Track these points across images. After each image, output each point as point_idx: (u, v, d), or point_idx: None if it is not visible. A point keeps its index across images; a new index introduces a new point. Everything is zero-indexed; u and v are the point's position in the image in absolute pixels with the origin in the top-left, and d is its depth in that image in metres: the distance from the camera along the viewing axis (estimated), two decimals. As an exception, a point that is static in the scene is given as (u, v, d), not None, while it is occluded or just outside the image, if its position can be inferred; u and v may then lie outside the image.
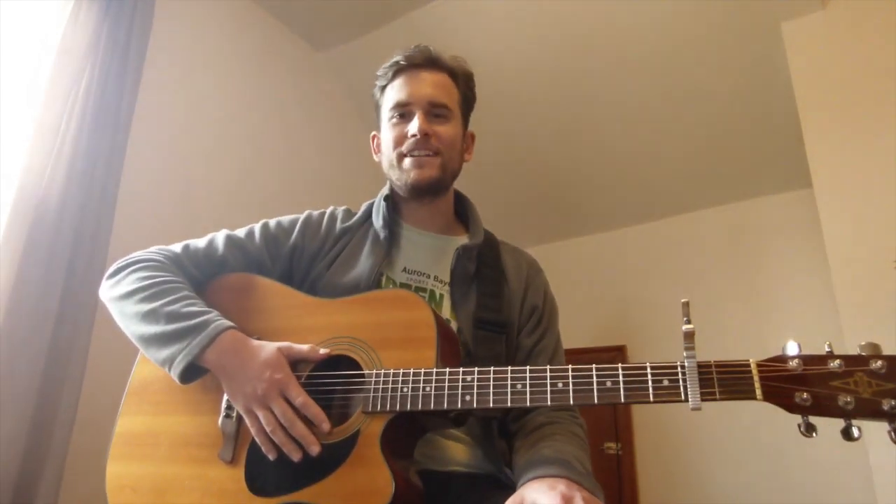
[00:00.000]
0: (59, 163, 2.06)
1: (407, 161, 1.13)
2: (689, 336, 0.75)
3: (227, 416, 0.95)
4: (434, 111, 1.14)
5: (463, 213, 1.27)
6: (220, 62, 3.09)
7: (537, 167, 4.15)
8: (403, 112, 1.14)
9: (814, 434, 0.69)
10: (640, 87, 3.47)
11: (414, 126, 1.11)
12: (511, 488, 0.86)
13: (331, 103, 3.82)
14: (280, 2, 3.33)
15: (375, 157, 1.26)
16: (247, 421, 0.92)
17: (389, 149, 1.15)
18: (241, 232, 1.17)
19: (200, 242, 1.13)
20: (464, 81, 1.21)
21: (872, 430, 0.68)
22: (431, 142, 1.12)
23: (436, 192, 1.16)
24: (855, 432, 0.67)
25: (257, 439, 0.91)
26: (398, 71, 1.16)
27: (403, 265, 1.15)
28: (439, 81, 1.16)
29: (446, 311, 1.10)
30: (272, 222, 1.20)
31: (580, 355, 4.01)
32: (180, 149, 2.78)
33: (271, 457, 0.90)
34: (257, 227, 1.18)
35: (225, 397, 0.95)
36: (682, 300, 0.77)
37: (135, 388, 1.05)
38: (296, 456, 0.88)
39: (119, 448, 1.00)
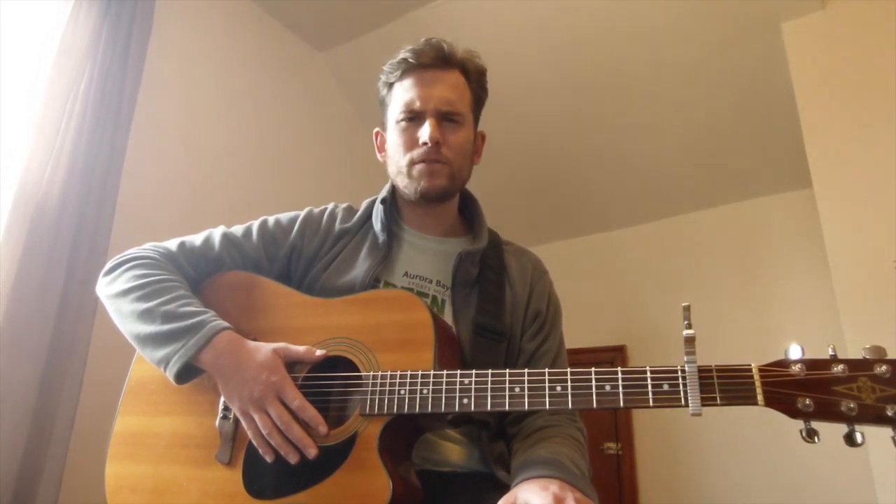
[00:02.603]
0: (59, 163, 2.06)
1: (417, 169, 1.08)
2: (690, 341, 0.74)
3: (225, 417, 0.95)
4: (446, 116, 1.08)
5: (468, 213, 1.23)
6: (221, 62, 3.08)
7: (538, 167, 4.15)
8: (413, 116, 1.08)
9: (816, 439, 0.68)
10: (641, 88, 3.46)
11: (425, 133, 1.05)
12: (507, 489, 0.85)
13: (331, 103, 3.81)
14: (280, 2, 3.32)
15: (379, 156, 1.21)
16: (243, 423, 0.91)
17: (398, 153, 1.10)
18: (238, 230, 1.14)
19: (196, 240, 1.11)
20: (476, 79, 1.14)
21: (873, 431, 0.67)
22: (442, 150, 1.06)
23: (443, 200, 1.13)
24: (858, 438, 0.66)
25: (254, 442, 0.90)
26: (408, 69, 1.10)
27: (405, 269, 1.12)
28: (451, 82, 1.10)
29: (448, 317, 1.08)
30: (271, 220, 1.17)
31: (580, 355, 4.01)
32: (180, 148, 2.77)
33: (268, 459, 0.89)
34: (255, 226, 1.15)
35: (222, 398, 0.94)
36: (683, 304, 0.75)
37: (132, 386, 1.04)
38: (293, 459, 0.87)
39: (117, 447, 1.00)
